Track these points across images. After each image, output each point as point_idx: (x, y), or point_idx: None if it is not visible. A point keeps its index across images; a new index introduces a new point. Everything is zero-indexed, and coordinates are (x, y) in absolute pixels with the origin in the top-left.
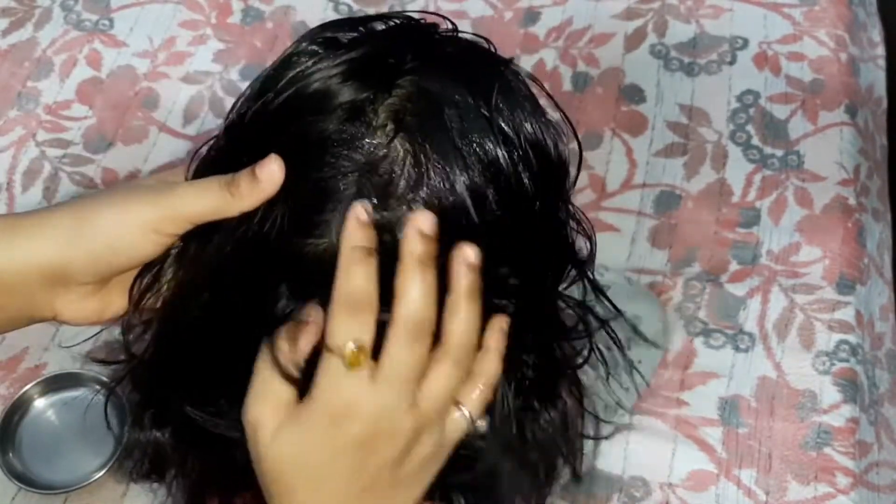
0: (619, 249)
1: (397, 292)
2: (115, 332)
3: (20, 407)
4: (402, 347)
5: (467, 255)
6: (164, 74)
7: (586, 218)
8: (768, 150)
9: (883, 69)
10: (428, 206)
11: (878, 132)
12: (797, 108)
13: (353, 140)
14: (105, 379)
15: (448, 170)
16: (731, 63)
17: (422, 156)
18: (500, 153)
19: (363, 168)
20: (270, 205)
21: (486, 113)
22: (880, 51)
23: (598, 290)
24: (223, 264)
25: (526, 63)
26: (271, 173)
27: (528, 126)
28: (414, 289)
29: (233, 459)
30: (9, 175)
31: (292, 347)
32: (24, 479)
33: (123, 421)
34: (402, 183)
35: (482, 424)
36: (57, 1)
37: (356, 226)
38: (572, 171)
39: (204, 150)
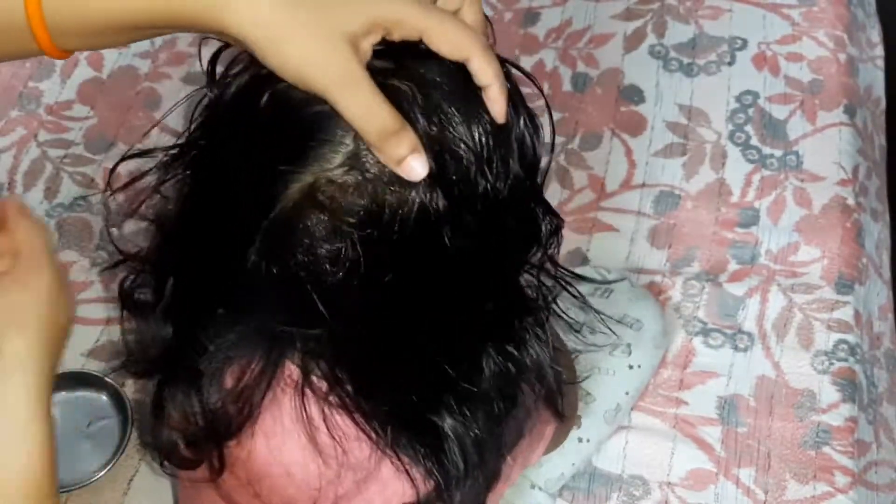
0: (618, 249)
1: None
2: (118, 331)
3: None
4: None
5: None
6: (165, 75)
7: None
8: (767, 150)
9: (881, 69)
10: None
11: (876, 132)
12: (796, 109)
13: None
14: (107, 379)
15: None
16: (731, 63)
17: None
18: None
19: None
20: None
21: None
22: (879, 51)
23: (555, 265)
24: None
25: (526, 63)
26: (417, 167)
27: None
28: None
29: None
30: (10, 175)
31: None
32: None
33: (125, 421)
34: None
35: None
36: None
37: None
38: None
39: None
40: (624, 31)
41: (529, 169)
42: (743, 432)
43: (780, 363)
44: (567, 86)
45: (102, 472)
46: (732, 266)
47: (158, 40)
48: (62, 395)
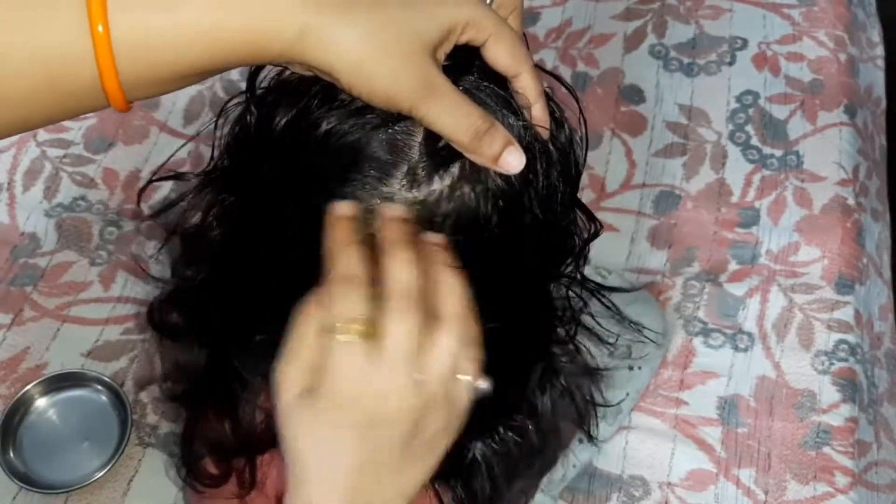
0: (618, 249)
1: (384, 272)
2: (117, 331)
3: (21, 406)
4: (398, 321)
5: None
6: None
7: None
8: (767, 150)
9: (882, 69)
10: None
11: (877, 132)
12: (796, 109)
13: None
14: (106, 378)
15: None
16: (731, 63)
17: None
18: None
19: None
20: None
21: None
22: (879, 51)
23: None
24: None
25: None
26: (514, 161)
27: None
28: (397, 264)
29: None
30: (9, 175)
31: (325, 310)
32: (25, 479)
33: (125, 421)
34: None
35: (484, 384)
36: None
37: (337, 220)
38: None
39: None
40: (624, 31)
41: (571, 181)
42: (743, 432)
43: (780, 363)
44: None
45: (102, 472)
46: (733, 266)
47: None
48: (62, 395)
